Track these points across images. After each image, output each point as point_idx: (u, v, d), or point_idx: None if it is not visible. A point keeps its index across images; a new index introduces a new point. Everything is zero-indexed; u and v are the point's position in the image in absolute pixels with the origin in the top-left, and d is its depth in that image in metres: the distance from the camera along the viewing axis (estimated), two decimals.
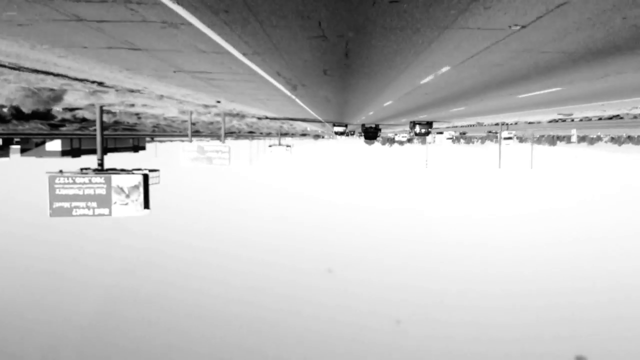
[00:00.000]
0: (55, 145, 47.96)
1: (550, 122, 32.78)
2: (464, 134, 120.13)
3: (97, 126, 27.54)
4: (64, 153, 48.35)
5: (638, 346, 72.14)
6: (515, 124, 38.06)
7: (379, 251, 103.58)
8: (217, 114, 33.50)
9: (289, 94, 14.03)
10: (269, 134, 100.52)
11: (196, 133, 70.05)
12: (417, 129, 39.41)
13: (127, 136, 55.83)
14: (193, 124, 49.40)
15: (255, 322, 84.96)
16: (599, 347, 73.31)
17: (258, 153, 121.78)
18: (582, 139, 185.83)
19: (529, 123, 35.90)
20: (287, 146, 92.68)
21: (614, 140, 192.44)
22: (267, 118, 40.04)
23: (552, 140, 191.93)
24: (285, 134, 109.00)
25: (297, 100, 17.54)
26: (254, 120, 46.80)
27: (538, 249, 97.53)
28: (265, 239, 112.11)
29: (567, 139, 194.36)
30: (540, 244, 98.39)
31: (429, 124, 39.30)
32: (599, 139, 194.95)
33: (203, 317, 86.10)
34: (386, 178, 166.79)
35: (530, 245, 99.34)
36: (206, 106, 23.58)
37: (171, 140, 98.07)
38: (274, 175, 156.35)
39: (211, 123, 53.37)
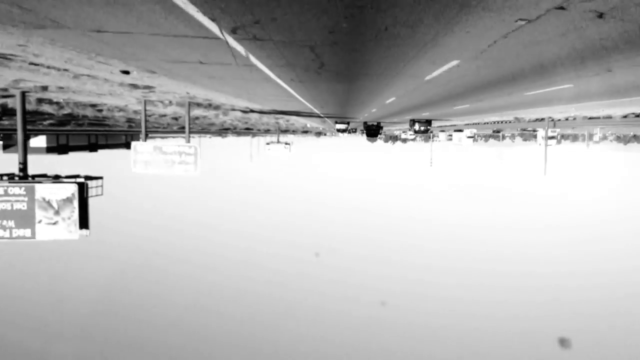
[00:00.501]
0: (39, 141, 42.00)
1: (625, 116, 23.79)
2: (498, 131, 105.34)
3: (18, 118, 20.50)
4: (49, 150, 43.10)
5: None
6: (566, 119, 28.84)
7: (369, 240, 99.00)
8: (181, 104, 24.10)
9: (230, 41, 5.06)
10: (267, 131, 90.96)
11: (182, 130, 61.09)
12: (417, 126, 38.07)
13: (118, 132, 49.79)
14: (163, 116, 40.03)
15: (244, 311, 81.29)
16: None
17: (259, 150, 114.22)
18: (589, 137, 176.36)
19: (589, 118, 26.79)
20: (286, 144, 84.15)
21: (619, 139, 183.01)
22: (252, 111, 30.69)
23: (558, 138, 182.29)
24: (286, 131, 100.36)
25: (269, 73, 8.67)
26: (239, 114, 37.87)
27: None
28: (260, 230, 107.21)
29: (573, 137, 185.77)
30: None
31: (428, 122, 37.81)
32: (604, 137, 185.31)
33: (189, 304, 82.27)
34: (387, 176, 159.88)
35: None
36: (149, 87, 14.47)
37: (173, 137, 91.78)
38: (274, 171, 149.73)
39: (197, 118, 44.09)
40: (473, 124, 43.56)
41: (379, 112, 28.76)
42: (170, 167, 23.14)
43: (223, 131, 71.84)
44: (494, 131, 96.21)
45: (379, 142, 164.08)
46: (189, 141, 25.02)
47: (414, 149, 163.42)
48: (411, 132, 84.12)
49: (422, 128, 37.84)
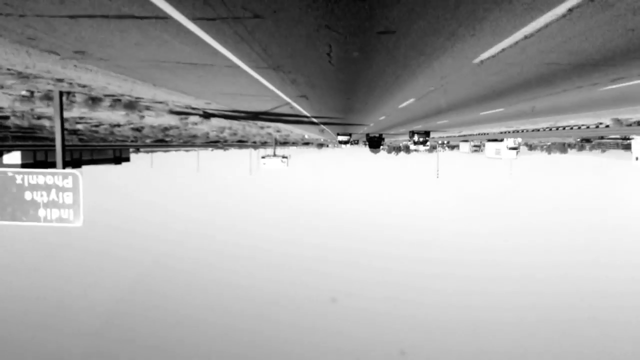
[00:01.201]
0: (14, 157, 35.62)
1: None
2: (588, 140, 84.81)
3: None
4: (24, 167, 35.21)
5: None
6: None
7: (383, 277, 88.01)
8: (49, 98, 11.95)
9: None
10: (264, 143, 78.94)
11: (160, 144, 51.28)
12: (416, 137, 36.62)
13: (105, 147, 43.70)
14: (115, 126, 29.67)
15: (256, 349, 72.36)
16: None
17: (259, 163, 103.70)
18: (593, 146, 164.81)
19: None
20: (284, 157, 72.71)
21: (625, 147, 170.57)
22: (206, 114, 19.01)
23: (563, 147, 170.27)
24: (285, 143, 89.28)
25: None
26: (215, 122, 26.50)
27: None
28: (263, 263, 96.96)
29: (579, 147, 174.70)
30: None
31: (427, 133, 36.50)
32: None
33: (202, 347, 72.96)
34: (393, 190, 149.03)
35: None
36: None
37: (176, 150, 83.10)
38: (274, 185, 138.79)
39: (166, 129, 32.62)
40: (513, 131, 31.26)
41: (385, 121, 18.20)
42: (30, 213, 11.63)
43: (212, 144, 60.80)
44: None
45: (382, 153, 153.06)
46: (64, 166, 13.00)
47: (419, 160, 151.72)
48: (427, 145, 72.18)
49: (421, 139, 36.62)
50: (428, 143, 71.65)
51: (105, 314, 76.99)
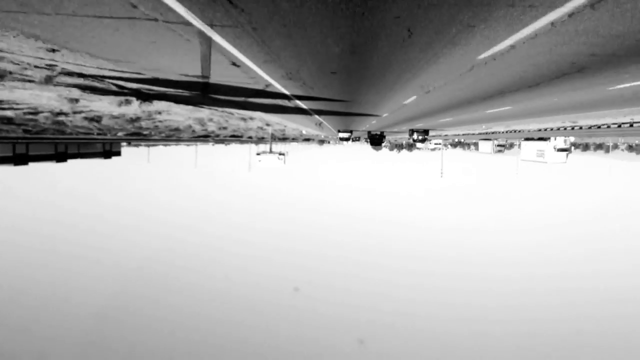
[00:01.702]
0: None
1: None
2: None
3: None
4: (3, 160, 32.83)
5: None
6: None
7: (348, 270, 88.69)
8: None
9: None
10: (262, 139, 71.43)
11: (136, 137, 46.57)
12: (415, 135, 36.57)
13: (93, 140, 40.36)
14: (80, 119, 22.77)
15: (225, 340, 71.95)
16: None
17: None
18: (598, 146, 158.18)
19: None
20: (281, 154, 65.48)
21: (631, 148, 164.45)
22: (130, 90, 11.34)
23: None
24: (284, 139, 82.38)
25: None
26: (190, 115, 19.69)
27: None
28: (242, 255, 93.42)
29: (583, 147, 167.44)
30: None
31: (426, 132, 36.26)
32: (615, 146, 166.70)
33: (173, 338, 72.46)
34: (394, 189, 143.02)
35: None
36: None
37: (176, 144, 77.12)
38: (273, 180, 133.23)
39: (134, 120, 25.86)
40: (569, 127, 21.49)
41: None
42: None
43: (203, 138, 53.96)
44: None
45: (384, 150, 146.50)
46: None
47: (423, 158, 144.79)
48: (437, 142, 64.27)
49: (420, 137, 36.25)
50: (439, 142, 64.42)
51: (98, 310, 74.25)
